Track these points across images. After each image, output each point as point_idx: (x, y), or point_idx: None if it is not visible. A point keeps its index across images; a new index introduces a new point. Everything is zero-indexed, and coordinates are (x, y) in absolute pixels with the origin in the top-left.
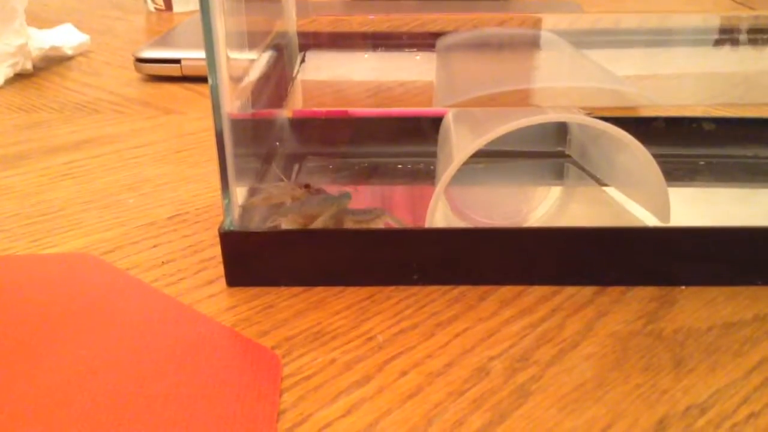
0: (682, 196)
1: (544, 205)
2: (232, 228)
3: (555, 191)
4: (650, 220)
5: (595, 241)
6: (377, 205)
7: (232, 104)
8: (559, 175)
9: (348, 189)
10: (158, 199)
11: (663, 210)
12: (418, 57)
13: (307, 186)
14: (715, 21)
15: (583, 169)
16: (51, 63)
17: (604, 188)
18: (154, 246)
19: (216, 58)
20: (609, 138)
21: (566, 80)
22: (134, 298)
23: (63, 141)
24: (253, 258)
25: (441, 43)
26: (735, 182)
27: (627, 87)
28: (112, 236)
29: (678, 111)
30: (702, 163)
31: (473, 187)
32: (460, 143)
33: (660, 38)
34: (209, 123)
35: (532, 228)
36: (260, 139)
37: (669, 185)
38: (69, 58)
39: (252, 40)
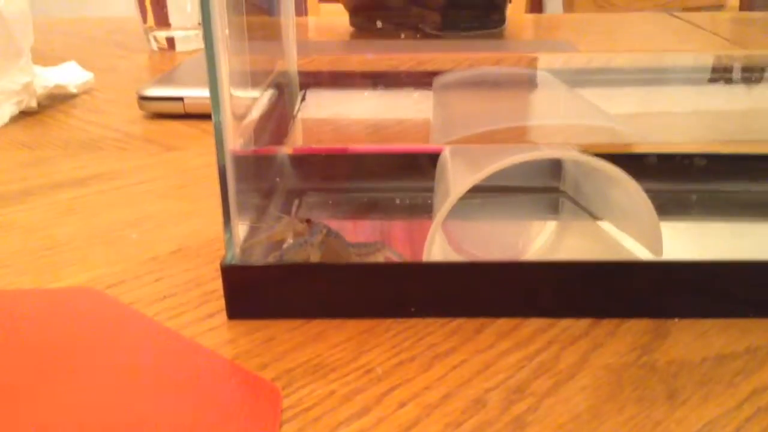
0: (675, 230)
1: (539, 240)
2: (233, 262)
3: (550, 226)
4: (644, 253)
5: (589, 274)
6: (376, 238)
7: (235, 141)
8: (554, 210)
9: (341, 223)
10: (161, 234)
11: (656, 244)
12: (415, 95)
13: (308, 221)
14: (707, 60)
15: (577, 204)
16: (55, 101)
17: (598, 223)
18: (157, 280)
19: (220, 96)
20: (602, 174)
21: (561, 118)
22: (137, 332)
23: (67, 177)
24: (254, 291)
25: (437, 81)
26: (726, 216)
27: (619, 125)
28: (115, 271)
29: (670, 147)
30: (694, 197)
31: (470, 221)
32: (456, 179)
33: (653, 77)
34: (211, 159)
35: (529, 262)
36: (261, 175)
37: (661, 219)
38: (73, 96)
39: (254, 79)
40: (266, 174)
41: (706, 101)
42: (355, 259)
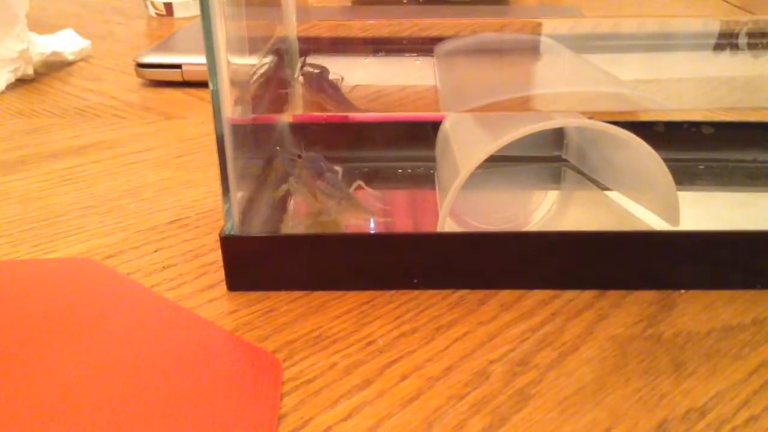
0: (682, 200)
1: (542, 210)
2: (232, 233)
3: (552, 195)
4: (652, 222)
5: (594, 245)
6: (380, 209)
7: (233, 109)
8: (556, 179)
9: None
10: (159, 203)
11: (672, 212)
12: (417, 61)
13: (299, 156)
14: (714, 25)
15: (581, 172)
16: (52, 68)
17: (605, 191)
18: (155, 251)
19: (217, 63)
20: (609, 141)
21: (569, 85)
22: (135, 303)
23: (64, 146)
24: (254, 262)
25: (439, 48)
26: (734, 186)
27: (629, 90)
28: (113, 241)
29: (677, 115)
30: (701, 167)
31: (471, 192)
32: (465, 150)
33: (659, 42)
34: (210, 128)
35: (531, 232)
36: (261, 143)
37: None
38: (70, 63)
39: (252, 45)
40: (265, 142)
41: (713, 67)
42: (320, 196)
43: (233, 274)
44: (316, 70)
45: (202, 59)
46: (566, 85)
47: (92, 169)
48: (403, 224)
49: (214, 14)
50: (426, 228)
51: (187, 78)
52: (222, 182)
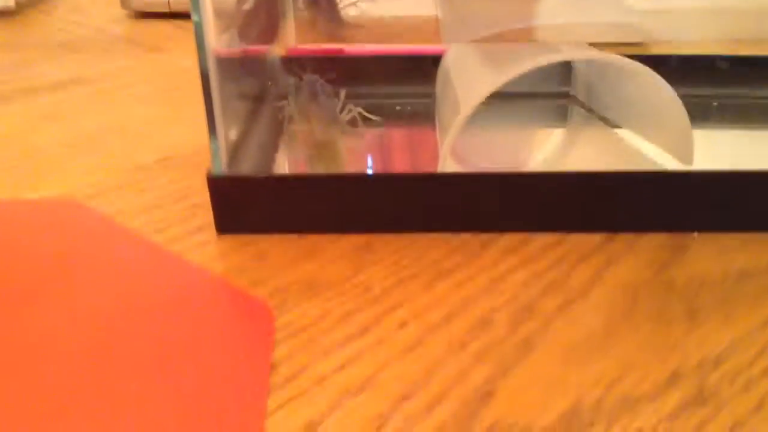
0: (696, 138)
1: (547, 148)
2: (220, 173)
3: (559, 133)
4: (663, 160)
5: (603, 185)
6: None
7: (219, 41)
8: (563, 117)
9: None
10: (145, 141)
11: (685, 151)
12: None
13: (300, 78)
14: None
15: (589, 109)
16: (35, 0)
17: (614, 129)
18: (141, 191)
19: None
20: (620, 74)
21: (577, 15)
22: (119, 246)
23: (47, 81)
24: (244, 204)
25: None
26: (749, 124)
27: (640, 20)
28: (96, 180)
29: (691, 48)
30: (715, 103)
31: (473, 130)
32: (467, 86)
33: None
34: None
35: (537, 173)
36: (251, 77)
37: None
38: None
39: None
40: (256, 77)
41: None
42: (314, 120)
43: (222, 217)
44: None
45: None
46: (574, 15)
47: (76, 105)
48: (401, 164)
49: None
50: (426, 168)
51: (174, 9)
52: (208, 120)
